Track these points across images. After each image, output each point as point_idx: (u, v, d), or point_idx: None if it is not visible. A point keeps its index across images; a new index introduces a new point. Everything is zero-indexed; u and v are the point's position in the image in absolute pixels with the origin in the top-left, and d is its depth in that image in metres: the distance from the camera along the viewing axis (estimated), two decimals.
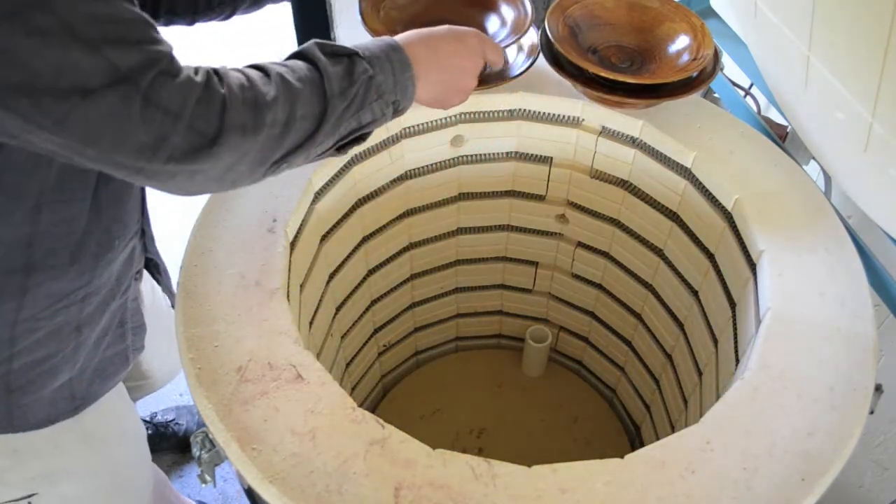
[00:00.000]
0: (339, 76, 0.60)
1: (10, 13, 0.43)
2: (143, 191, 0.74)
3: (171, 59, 0.51)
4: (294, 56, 0.62)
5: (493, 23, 0.92)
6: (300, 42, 1.71)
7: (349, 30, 1.67)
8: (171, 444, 1.39)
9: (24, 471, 0.74)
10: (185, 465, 1.40)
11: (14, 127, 0.48)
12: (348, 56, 0.62)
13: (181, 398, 1.49)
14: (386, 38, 0.65)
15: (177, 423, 1.39)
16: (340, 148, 0.64)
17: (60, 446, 0.76)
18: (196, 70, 0.53)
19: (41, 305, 0.64)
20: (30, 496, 0.76)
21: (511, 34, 0.87)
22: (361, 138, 0.65)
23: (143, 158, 0.51)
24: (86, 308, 0.69)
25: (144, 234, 0.77)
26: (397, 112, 0.66)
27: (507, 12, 0.91)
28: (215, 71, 0.55)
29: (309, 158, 0.62)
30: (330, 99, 0.59)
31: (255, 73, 0.57)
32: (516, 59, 0.91)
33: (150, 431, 1.36)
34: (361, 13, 0.86)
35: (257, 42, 2.23)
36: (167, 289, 0.90)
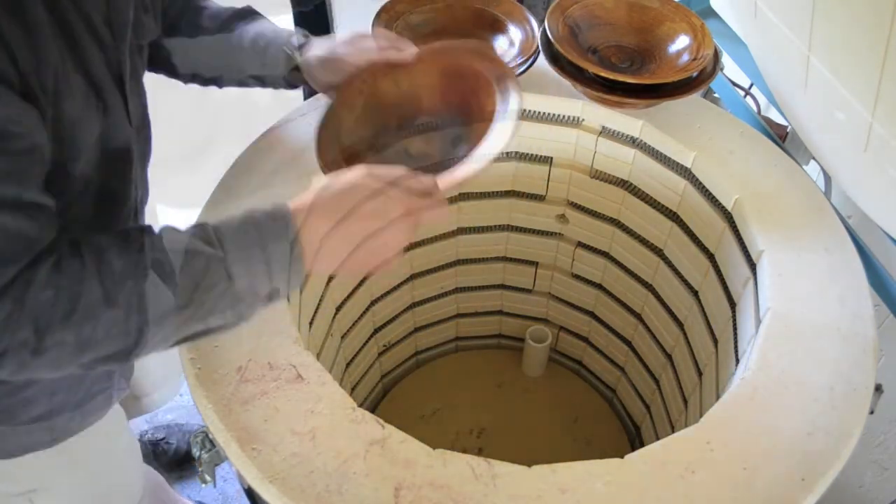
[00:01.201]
0: (178, 292, 0.51)
1: None
2: (136, 206, 0.70)
3: None
4: (135, 238, 0.52)
5: (501, 43, 0.93)
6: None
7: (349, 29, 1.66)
8: (162, 463, 1.37)
9: (3, 487, 0.74)
10: (185, 465, 1.40)
11: None
12: (206, 258, 0.52)
13: (181, 398, 1.49)
14: (281, 218, 0.55)
15: (167, 443, 1.37)
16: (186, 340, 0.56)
17: (41, 471, 0.75)
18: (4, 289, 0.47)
19: None
20: None
21: (519, 55, 0.90)
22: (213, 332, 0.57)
23: None
24: None
25: None
26: (272, 299, 0.56)
27: (515, 34, 0.93)
28: (27, 282, 0.48)
29: (146, 354, 0.54)
30: (146, 324, 0.51)
31: (49, 293, 0.49)
32: (516, 59, 0.91)
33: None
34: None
35: None
36: None
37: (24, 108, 0.48)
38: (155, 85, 0.73)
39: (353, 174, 0.57)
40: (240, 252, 0.53)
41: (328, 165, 0.69)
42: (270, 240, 0.54)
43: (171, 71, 0.80)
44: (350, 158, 0.71)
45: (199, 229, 0.54)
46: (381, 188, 0.56)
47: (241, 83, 0.81)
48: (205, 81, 0.81)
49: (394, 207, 0.56)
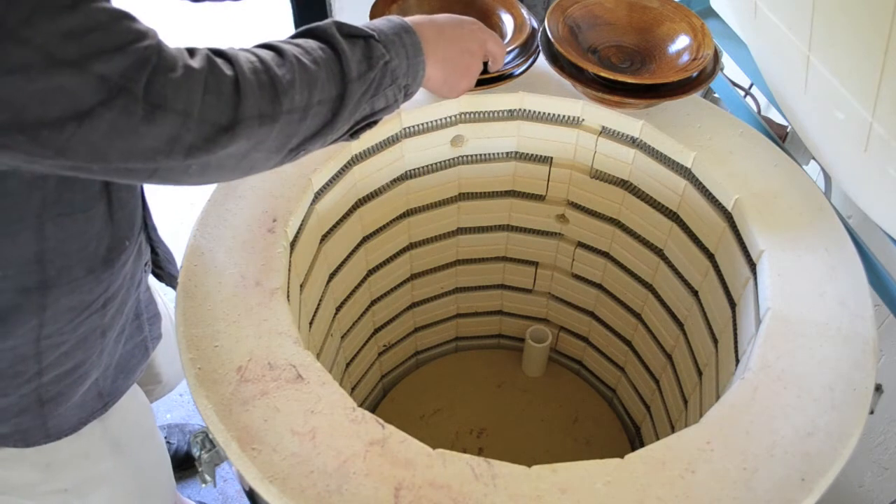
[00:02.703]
0: (357, 59, 0.58)
1: None
2: (141, 186, 0.73)
3: (159, 50, 0.47)
4: (306, 34, 0.59)
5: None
6: None
7: None
8: None
9: (55, 483, 0.75)
10: (185, 465, 1.40)
11: (18, 160, 0.45)
12: (364, 38, 0.60)
13: (181, 398, 1.49)
14: (395, 20, 0.64)
15: (167, 442, 1.37)
16: (354, 133, 0.64)
17: (90, 456, 0.76)
18: (192, 53, 0.50)
19: (63, 320, 0.63)
20: None
21: (510, 42, 0.90)
22: (372, 124, 0.64)
23: (158, 160, 0.49)
24: (108, 313, 0.68)
25: (147, 225, 0.77)
26: (407, 96, 0.65)
27: (508, 20, 0.93)
28: (218, 52, 0.52)
29: (326, 143, 0.60)
30: (348, 83, 0.57)
31: (267, 54, 0.54)
32: (516, 59, 0.91)
33: None
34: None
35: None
36: (170, 276, 0.87)
37: None
38: None
39: (437, 14, 0.69)
40: (386, 36, 0.61)
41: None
42: (401, 31, 0.62)
43: None
44: None
45: (342, 23, 0.60)
46: (465, 19, 0.70)
47: None
48: None
49: (477, 32, 0.71)
